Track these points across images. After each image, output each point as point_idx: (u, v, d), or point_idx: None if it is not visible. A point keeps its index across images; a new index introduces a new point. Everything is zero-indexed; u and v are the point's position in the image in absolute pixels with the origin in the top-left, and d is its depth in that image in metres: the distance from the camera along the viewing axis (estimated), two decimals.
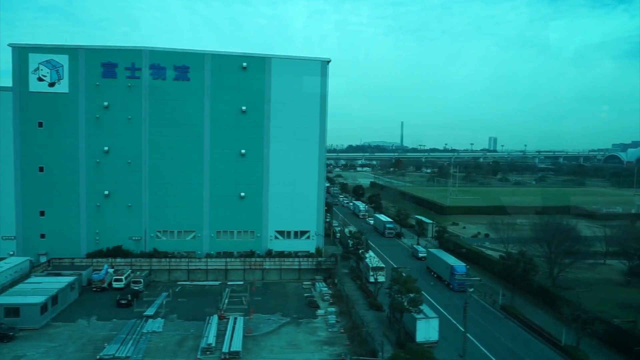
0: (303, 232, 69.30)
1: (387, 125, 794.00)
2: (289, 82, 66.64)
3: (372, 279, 64.78)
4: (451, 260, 66.23)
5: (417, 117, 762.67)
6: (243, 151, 66.68)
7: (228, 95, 65.96)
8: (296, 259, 66.60)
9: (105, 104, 63.77)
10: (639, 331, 43.82)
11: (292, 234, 69.06)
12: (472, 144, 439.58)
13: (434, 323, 45.53)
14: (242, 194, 67.03)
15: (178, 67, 64.85)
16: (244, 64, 65.61)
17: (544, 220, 70.06)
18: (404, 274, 48.34)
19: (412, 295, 44.72)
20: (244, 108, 66.15)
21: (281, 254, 67.51)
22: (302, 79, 66.96)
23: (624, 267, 71.29)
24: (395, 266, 75.60)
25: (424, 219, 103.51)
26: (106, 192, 64.83)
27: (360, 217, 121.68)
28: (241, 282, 63.46)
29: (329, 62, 68.31)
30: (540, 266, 65.26)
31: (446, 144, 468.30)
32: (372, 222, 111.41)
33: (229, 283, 63.28)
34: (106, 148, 64.40)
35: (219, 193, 66.91)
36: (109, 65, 63.49)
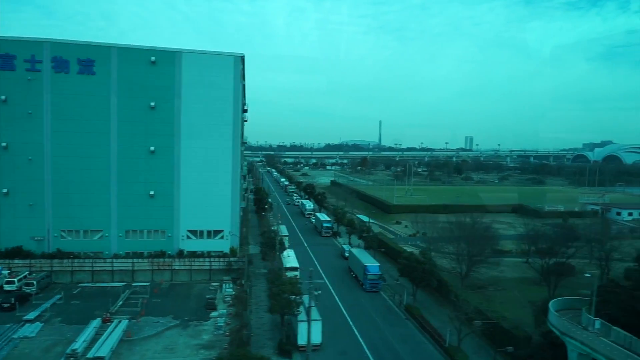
0: (217, 232, 67.44)
1: (367, 124, 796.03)
2: (201, 77, 64.66)
3: None
4: (366, 259, 65.24)
5: (397, 116, 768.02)
6: (152, 148, 64.47)
7: (136, 90, 63.65)
8: (207, 260, 64.82)
9: (3, 97, 60.83)
10: (517, 331, 43.33)
11: (205, 234, 67.14)
12: (447, 143, 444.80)
13: (317, 326, 44.24)
14: (152, 192, 64.83)
15: (82, 60, 62.25)
16: (153, 59, 63.35)
17: (458, 219, 69.80)
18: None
19: (291, 297, 43.49)
20: (153, 104, 63.95)
21: (193, 254, 65.58)
22: (214, 74, 65.01)
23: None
24: (318, 266, 74.81)
25: (363, 217, 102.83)
26: (5, 191, 61.95)
27: (306, 215, 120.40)
28: (147, 284, 61.41)
29: (242, 57, 66.62)
30: (456, 265, 65.02)
31: (422, 143, 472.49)
32: (314, 220, 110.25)
33: (134, 284, 61.16)
34: (4, 144, 61.47)
35: (128, 191, 64.60)
36: (7, 57, 60.56)
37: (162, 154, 64.92)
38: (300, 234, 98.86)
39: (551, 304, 40.27)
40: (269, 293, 51.88)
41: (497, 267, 73.29)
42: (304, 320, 44.23)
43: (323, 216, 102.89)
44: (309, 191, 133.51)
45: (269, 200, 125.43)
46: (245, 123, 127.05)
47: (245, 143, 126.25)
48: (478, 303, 53.12)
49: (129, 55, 63.33)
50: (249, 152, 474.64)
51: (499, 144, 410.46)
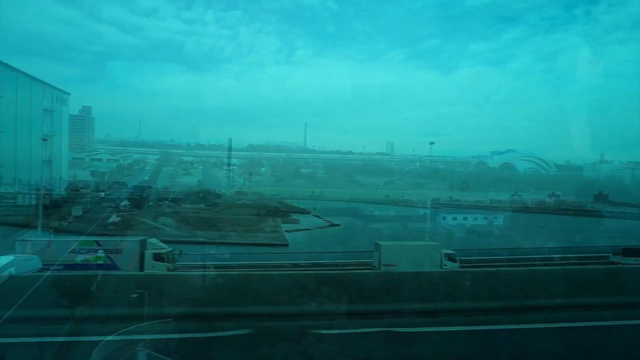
0: None
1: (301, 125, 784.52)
2: None
3: None
4: None
5: (330, 119, 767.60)
6: None
7: None
8: None
9: None
10: None
11: None
12: (364, 147, 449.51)
13: None
14: None
15: None
16: None
17: None
18: None
19: None
20: None
21: None
22: None
23: None
24: None
25: None
26: None
27: None
28: None
29: None
30: None
31: (341, 147, 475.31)
32: None
33: None
34: None
35: None
36: None
37: None
38: None
39: None
40: None
41: None
42: None
43: None
44: None
45: None
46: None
47: None
48: None
49: None
50: (157, 150, 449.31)
51: (413, 149, 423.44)
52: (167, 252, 44.55)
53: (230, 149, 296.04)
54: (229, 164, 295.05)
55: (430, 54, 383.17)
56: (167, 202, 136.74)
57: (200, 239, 74.96)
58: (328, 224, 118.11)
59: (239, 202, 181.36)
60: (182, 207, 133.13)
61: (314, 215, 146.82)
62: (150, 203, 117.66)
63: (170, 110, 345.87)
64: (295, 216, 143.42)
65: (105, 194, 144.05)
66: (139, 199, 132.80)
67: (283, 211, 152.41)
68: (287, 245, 71.21)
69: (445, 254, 32.55)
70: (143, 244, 45.92)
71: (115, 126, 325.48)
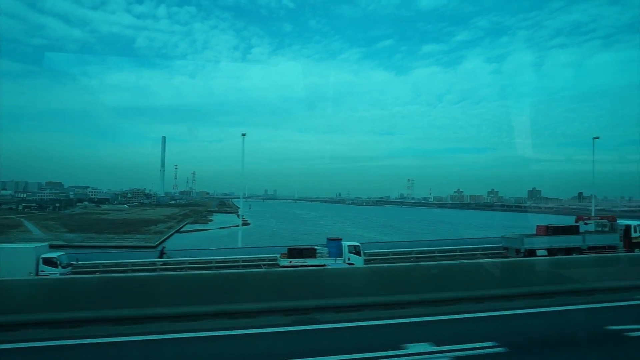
0: None
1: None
2: None
3: None
4: None
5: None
6: None
7: None
8: None
9: None
10: None
11: None
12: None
13: None
14: None
15: None
16: None
17: None
18: None
19: None
20: None
21: None
22: None
23: None
24: None
25: None
26: None
27: None
28: None
29: None
30: None
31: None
32: None
33: None
34: None
35: None
36: None
37: None
38: None
39: None
40: None
41: None
42: None
43: None
44: None
45: None
46: None
47: None
48: None
49: None
50: None
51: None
52: None
53: (164, 148, 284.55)
54: (162, 164, 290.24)
55: (385, 54, 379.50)
56: (86, 202, 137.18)
57: (61, 243, 75.88)
58: (238, 224, 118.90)
59: (172, 202, 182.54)
60: (100, 209, 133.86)
61: (238, 216, 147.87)
62: (57, 205, 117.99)
63: (120, 107, 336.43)
64: (217, 216, 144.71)
65: (22, 194, 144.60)
66: (59, 199, 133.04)
67: (208, 211, 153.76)
68: (154, 247, 72.03)
69: (42, 258, 27.81)
70: None
71: (62, 122, 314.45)
